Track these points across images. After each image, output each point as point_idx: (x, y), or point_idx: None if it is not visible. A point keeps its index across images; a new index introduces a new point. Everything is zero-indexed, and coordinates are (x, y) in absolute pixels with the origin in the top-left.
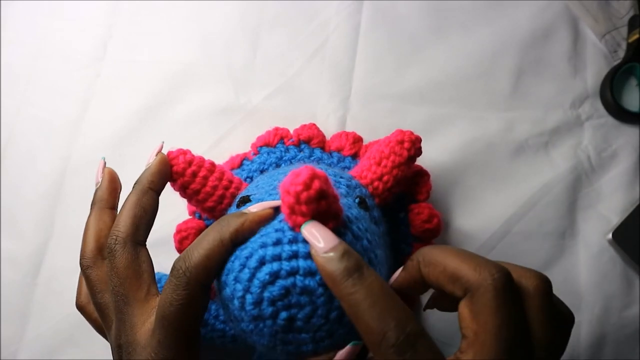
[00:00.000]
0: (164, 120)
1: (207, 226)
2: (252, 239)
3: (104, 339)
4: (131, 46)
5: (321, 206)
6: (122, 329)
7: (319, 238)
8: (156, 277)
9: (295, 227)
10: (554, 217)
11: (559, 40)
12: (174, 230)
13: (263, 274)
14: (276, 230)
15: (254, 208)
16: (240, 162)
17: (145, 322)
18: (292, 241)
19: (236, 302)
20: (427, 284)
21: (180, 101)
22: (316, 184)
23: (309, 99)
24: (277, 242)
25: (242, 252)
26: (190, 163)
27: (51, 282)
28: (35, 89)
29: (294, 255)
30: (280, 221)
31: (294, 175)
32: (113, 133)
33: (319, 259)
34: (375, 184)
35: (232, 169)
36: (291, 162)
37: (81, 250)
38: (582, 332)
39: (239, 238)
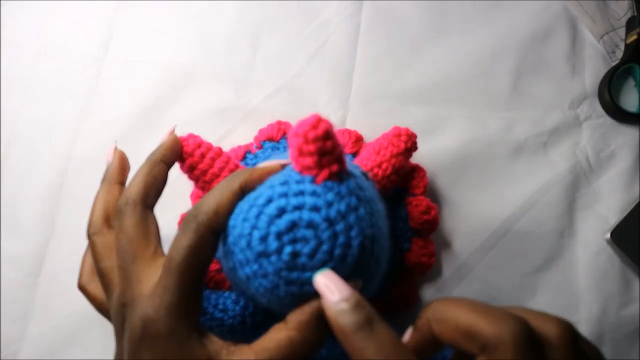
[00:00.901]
0: (164, 120)
1: None
2: (261, 185)
3: (105, 339)
4: (132, 46)
5: (327, 146)
6: (128, 286)
7: (332, 289)
8: None
9: (303, 170)
10: (553, 217)
11: (557, 41)
12: (174, 230)
13: (271, 209)
14: (284, 174)
15: (263, 163)
16: (243, 154)
17: (152, 278)
18: (298, 181)
19: (243, 241)
20: (441, 343)
21: (181, 101)
22: (323, 125)
23: (309, 99)
24: (285, 182)
25: (251, 194)
26: (199, 145)
27: (52, 281)
28: (36, 89)
29: (301, 193)
30: (288, 169)
31: (302, 121)
32: (114, 133)
33: (331, 312)
34: (375, 170)
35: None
36: None
37: (89, 219)
38: (580, 331)
39: (248, 187)
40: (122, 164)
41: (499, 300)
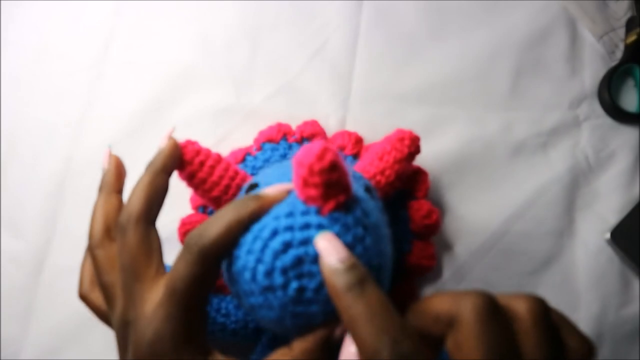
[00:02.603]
0: (165, 120)
1: None
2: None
3: (105, 339)
4: (132, 47)
5: (333, 177)
6: (131, 304)
7: (330, 250)
8: None
9: (308, 201)
10: (552, 217)
11: (557, 41)
12: (175, 230)
13: (276, 243)
14: (288, 204)
15: (269, 190)
16: (243, 157)
17: (154, 298)
18: (304, 213)
19: (247, 273)
20: (427, 339)
21: (181, 102)
22: (329, 156)
23: (309, 100)
24: (290, 214)
25: (255, 226)
26: (198, 152)
27: (53, 281)
28: (36, 90)
29: (306, 226)
30: (293, 197)
31: (306, 149)
32: (114, 134)
33: (325, 270)
34: (378, 177)
35: (235, 163)
36: None
37: (89, 232)
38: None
39: (253, 218)
40: (118, 171)
41: None
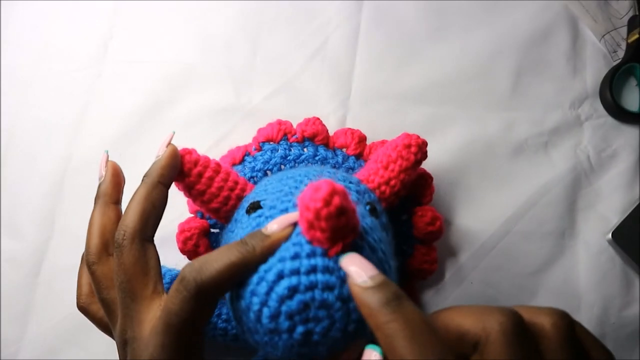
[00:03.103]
0: (164, 120)
1: (210, 225)
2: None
3: (105, 339)
4: (132, 46)
5: (340, 222)
6: (128, 324)
7: (359, 270)
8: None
9: (313, 242)
10: (554, 217)
11: (558, 41)
12: (173, 232)
13: (281, 288)
14: (294, 244)
15: (273, 225)
16: (242, 157)
17: (151, 320)
18: (310, 255)
19: (252, 314)
20: None
21: (181, 101)
22: (336, 200)
23: (309, 99)
24: (296, 256)
25: (261, 266)
26: (196, 163)
27: (52, 281)
28: (36, 90)
29: (313, 270)
30: (298, 234)
31: (313, 190)
32: (113, 133)
33: (356, 290)
34: (383, 188)
35: (234, 164)
36: (295, 162)
37: (86, 247)
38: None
39: (261, 262)
40: (116, 180)
41: (500, 301)
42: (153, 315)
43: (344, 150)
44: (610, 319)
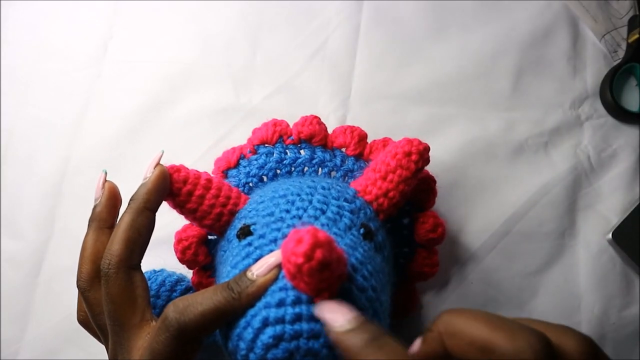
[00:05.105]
0: (164, 120)
1: (208, 234)
2: None
3: None
4: (131, 46)
5: (323, 275)
6: (118, 350)
7: (336, 316)
8: (162, 276)
9: (299, 289)
10: (554, 217)
11: (558, 41)
12: (173, 232)
13: (266, 336)
14: (280, 289)
15: (260, 268)
16: (236, 160)
17: (139, 348)
18: (295, 302)
19: (239, 357)
20: (452, 357)
21: (181, 101)
22: (318, 255)
23: (309, 99)
24: (281, 303)
25: (248, 310)
26: (185, 181)
27: (52, 282)
28: (35, 89)
29: (298, 318)
30: (284, 277)
31: (295, 242)
32: (113, 133)
33: (337, 335)
34: (380, 200)
35: (228, 168)
36: (292, 167)
37: (78, 273)
38: (581, 332)
39: (246, 309)
40: (111, 202)
41: (500, 301)
42: (142, 343)
43: (343, 150)
44: (610, 319)
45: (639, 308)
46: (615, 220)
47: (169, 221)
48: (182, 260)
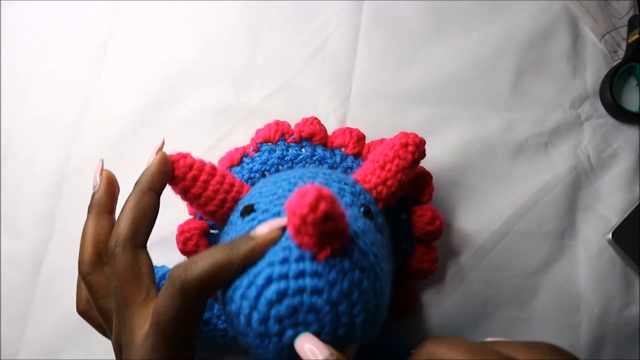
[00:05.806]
0: (164, 120)
1: (209, 227)
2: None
3: (104, 339)
4: (131, 46)
5: (327, 227)
6: (123, 329)
7: (312, 349)
8: (162, 271)
9: (302, 246)
10: (554, 217)
11: (558, 41)
12: (173, 232)
13: (270, 292)
14: (283, 249)
15: (262, 228)
16: (240, 158)
17: (143, 325)
18: (298, 259)
19: (242, 318)
20: None
21: (181, 101)
22: (322, 206)
23: (309, 99)
24: (284, 260)
25: (250, 270)
26: (190, 167)
27: (52, 282)
28: (35, 89)
29: (301, 274)
30: (287, 238)
31: (300, 196)
32: (113, 133)
33: None
34: (379, 188)
35: (232, 165)
36: (293, 163)
37: (79, 257)
38: (581, 332)
39: (248, 263)
40: (110, 189)
41: (500, 301)
42: (145, 320)
43: (343, 149)
44: (610, 319)
45: (639, 308)
46: (615, 220)
47: (169, 221)
48: (183, 252)
